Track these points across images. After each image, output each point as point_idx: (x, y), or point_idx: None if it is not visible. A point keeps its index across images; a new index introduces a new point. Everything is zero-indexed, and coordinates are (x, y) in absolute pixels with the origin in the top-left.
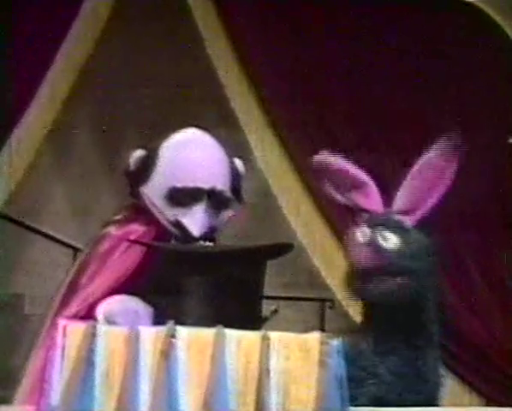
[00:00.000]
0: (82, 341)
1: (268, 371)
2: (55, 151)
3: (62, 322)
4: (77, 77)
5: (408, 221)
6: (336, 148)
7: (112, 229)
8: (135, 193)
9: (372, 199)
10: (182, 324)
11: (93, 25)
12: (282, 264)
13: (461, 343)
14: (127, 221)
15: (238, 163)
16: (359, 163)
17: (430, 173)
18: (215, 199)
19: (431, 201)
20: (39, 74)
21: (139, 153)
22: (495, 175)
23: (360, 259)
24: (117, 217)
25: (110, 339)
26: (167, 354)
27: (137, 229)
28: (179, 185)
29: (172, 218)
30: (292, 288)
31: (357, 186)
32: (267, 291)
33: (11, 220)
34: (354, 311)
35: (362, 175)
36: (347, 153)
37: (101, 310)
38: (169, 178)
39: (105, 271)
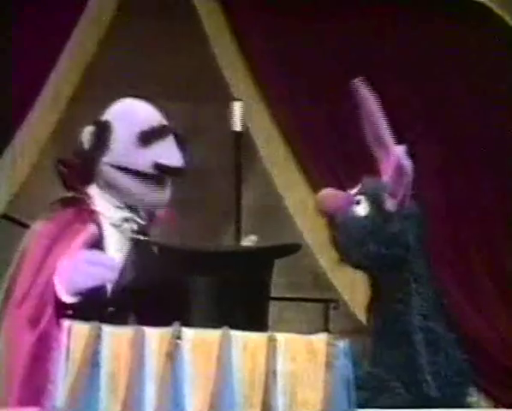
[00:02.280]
0: (87, 342)
1: (274, 372)
2: (58, 152)
3: (66, 323)
4: (81, 77)
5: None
6: (342, 146)
7: (48, 226)
8: (80, 183)
9: (387, 167)
10: (188, 325)
11: (97, 24)
12: (286, 264)
13: (465, 343)
14: (65, 217)
15: None
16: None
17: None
18: (178, 137)
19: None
20: (43, 75)
21: (90, 129)
22: (499, 168)
23: (329, 203)
24: (52, 214)
25: (114, 340)
26: (172, 355)
27: (78, 226)
28: (145, 127)
29: (149, 165)
30: (296, 288)
31: (382, 145)
32: (271, 292)
33: (14, 221)
34: (359, 311)
35: (390, 139)
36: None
37: (59, 283)
38: (133, 127)
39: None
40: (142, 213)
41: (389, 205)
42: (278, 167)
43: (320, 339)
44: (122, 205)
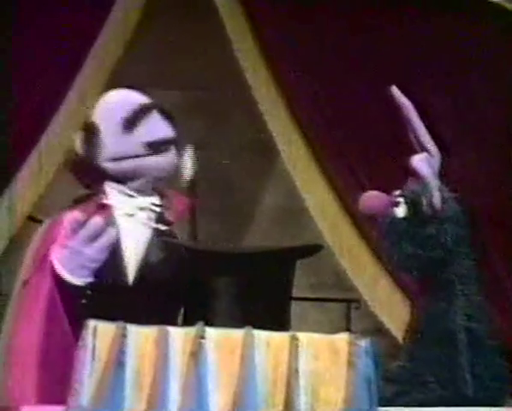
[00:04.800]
0: (112, 342)
1: (297, 371)
2: None
3: (91, 323)
4: (106, 80)
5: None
6: (363, 147)
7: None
8: (93, 181)
9: (429, 166)
10: (211, 325)
11: (123, 28)
12: (308, 265)
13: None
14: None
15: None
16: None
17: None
18: (163, 112)
19: None
20: (69, 77)
21: (79, 134)
22: None
23: (370, 204)
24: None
25: (139, 340)
26: (196, 354)
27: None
28: (127, 112)
29: (140, 147)
30: (318, 288)
31: (424, 150)
32: (293, 292)
33: (40, 222)
34: (380, 311)
35: (430, 144)
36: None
37: (63, 270)
38: (115, 118)
39: None
40: (156, 199)
41: (427, 208)
42: (299, 169)
43: (342, 338)
44: (133, 194)
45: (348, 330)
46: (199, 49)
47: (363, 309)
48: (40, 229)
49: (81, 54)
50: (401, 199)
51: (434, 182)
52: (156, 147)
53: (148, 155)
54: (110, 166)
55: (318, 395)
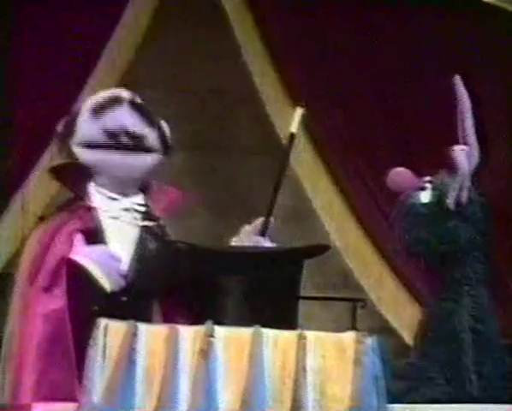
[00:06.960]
0: (123, 340)
1: (304, 369)
2: None
3: (102, 321)
4: (118, 82)
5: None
6: (368, 149)
7: (46, 226)
8: (78, 182)
9: (468, 161)
10: (220, 323)
11: (134, 32)
12: (314, 264)
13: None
14: (61, 218)
15: (164, 124)
16: None
17: None
18: (137, 109)
19: None
20: (81, 80)
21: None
22: None
23: (398, 180)
24: (50, 218)
25: (150, 338)
26: (205, 352)
27: (74, 224)
28: (98, 100)
29: (99, 132)
30: (325, 288)
31: (466, 144)
32: (301, 291)
33: None
34: (385, 310)
35: (472, 140)
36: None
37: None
38: (89, 104)
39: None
40: (140, 198)
41: (452, 202)
42: (307, 171)
43: (349, 336)
44: (116, 196)
45: (354, 328)
46: (208, 52)
47: (369, 308)
48: (40, 232)
49: (93, 56)
50: (428, 185)
51: (467, 179)
52: (114, 137)
53: (110, 147)
54: (78, 152)
55: (326, 392)
